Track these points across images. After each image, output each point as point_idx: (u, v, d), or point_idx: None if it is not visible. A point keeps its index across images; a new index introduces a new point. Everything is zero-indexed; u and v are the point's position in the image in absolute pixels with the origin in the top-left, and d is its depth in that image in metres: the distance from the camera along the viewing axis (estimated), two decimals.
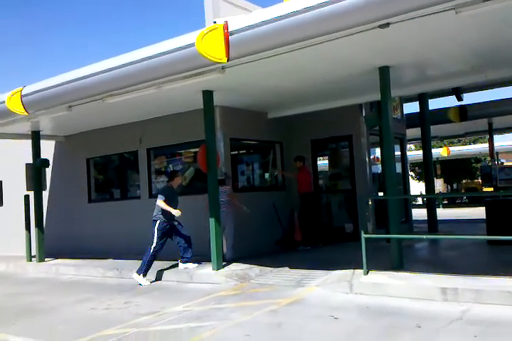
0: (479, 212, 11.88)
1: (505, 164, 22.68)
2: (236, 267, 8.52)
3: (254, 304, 6.32)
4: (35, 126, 11.21)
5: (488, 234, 8.93)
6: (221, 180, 9.63)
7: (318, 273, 7.74)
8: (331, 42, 6.01)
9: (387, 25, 5.57)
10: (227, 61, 6.34)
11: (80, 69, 8.20)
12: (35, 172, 11.63)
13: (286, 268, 8.36)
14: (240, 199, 10.22)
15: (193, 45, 6.33)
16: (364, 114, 10.99)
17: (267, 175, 12.08)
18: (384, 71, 7.57)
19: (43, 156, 11.82)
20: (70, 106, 8.92)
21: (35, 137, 11.81)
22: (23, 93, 9.00)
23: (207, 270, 8.39)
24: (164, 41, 7.08)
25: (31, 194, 11.76)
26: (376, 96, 8.15)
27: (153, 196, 11.16)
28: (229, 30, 6.18)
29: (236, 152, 11.21)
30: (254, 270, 8.34)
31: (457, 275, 6.38)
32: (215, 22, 6.31)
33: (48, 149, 12.82)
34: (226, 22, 6.20)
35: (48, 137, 12.65)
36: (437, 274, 6.58)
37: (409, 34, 6.25)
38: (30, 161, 11.78)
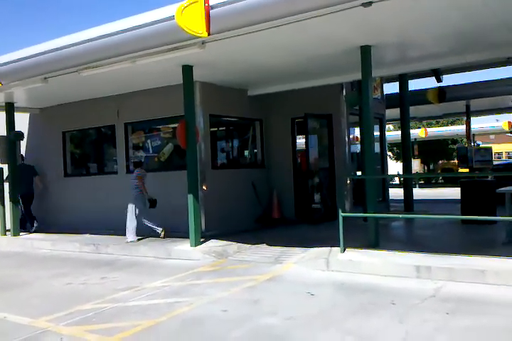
0: (454, 192, 12.11)
1: (481, 146, 23.05)
2: (214, 244, 8.55)
3: (231, 280, 6.36)
4: (9, 97, 10.91)
5: (463, 214, 9.13)
6: (138, 163, 9.77)
7: (295, 250, 7.83)
8: (313, 20, 5.93)
9: (370, 3, 5.52)
10: (208, 35, 6.21)
11: (55, 40, 7.95)
12: (9, 145, 11.37)
13: (264, 246, 8.42)
14: (219, 176, 10.22)
15: (172, 18, 6.18)
16: (345, 94, 10.98)
17: (246, 153, 12.05)
18: (366, 50, 7.53)
19: (17, 129, 11.55)
20: (45, 78, 8.68)
21: (10, 109, 11.49)
22: None
23: (185, 246, 8.40)
24: (143, 13, 6.89)
25: (5, 167, 11.53)
26: (357, 76, 8.12)
27: (130, 171, 11.08)
28: (210, 4, 6.05)
29: (215, 129, 11.13)
30: (232, 247, 8.38)
31: (431, 254, 6.52)
32: None
33: (22, 121, 12.53)
34: None
35: (23, 109, 12.34)
36: (412, 252, 6.71)
37: (392, 13, 6.20)
38: (4, 134, 11.51)
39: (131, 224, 9.40)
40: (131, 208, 9.46)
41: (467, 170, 15.50)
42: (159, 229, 9.35)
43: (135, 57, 7.40)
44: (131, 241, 9.25)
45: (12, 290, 6.59)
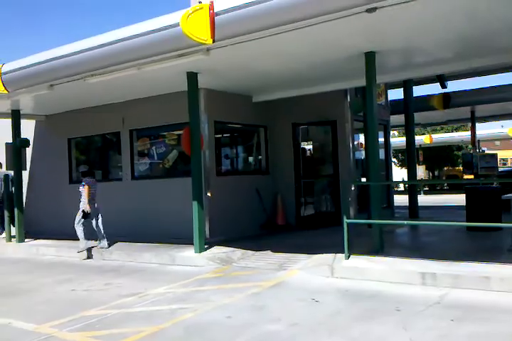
0: (459, 199, 12.06)
1: (486, 152, 22.99)
2: (218, 250, 8.54)
3: (236, 287, 6.35)
4: (15, 104, 10.98)
5: (468, 221, 9.06)
6: (87, 172, 9.76)
7: (300, 256, 7.81)
8: (317, 26, 5.96)
9: (375, 9, 5.54)
10: (213, 42, 6.25)
11: (62, 48, 8.02)
12: (15, 151, 11.43)
13: (269, 252, 8.41)
14: (223, 183, 10.22)
15: (177, 25, 6.23)
16: (349, 100, 10.99)
17: (250, 159, 12.07)
18: (370, 56, 7.54)
19: (23, 136, 11.61)
20: (51, 85, 8.75)
21: (15, 116, 11.57)
22: (2, 70, 8.81)
23: (189, 253, 8.40)
24: (148, 20, 6.94)
25: (11, 174, 11.59)
26: (361, 82, 8.13)
27: (135, 178, 11.11)
28: (215, 11, 6.09)
29: (220, 135, 11.15)
30: (236, 253, 8.37)
31: (436, 261, 6.48)
32: (200, 2, 6.20)
33: (28, 128, 12.60)
34: (212, 2, 6.10)
35: (29, 116, 12.43)
36: (417, 259, 6.68)
37: (396, 19, 6.22)
38: (10, 140, 11.57)
39: (79, 232, 9.43)
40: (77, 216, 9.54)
41: (472, 176, 15.46)
42: (83, 243, 9.39)
43: (141, 64, 7.45)
44: (79, 252, 9.32)
45: (17, 297, 6.60)
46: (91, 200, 9.45)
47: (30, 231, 11.74)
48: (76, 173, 12.47)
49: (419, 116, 15.65)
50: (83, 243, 9.36)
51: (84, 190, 9.42)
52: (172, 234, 9.71)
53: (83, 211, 9.42)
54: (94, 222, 9.58)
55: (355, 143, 11.40)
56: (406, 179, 14.88)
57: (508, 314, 4.73)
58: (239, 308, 5.38)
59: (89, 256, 9.41)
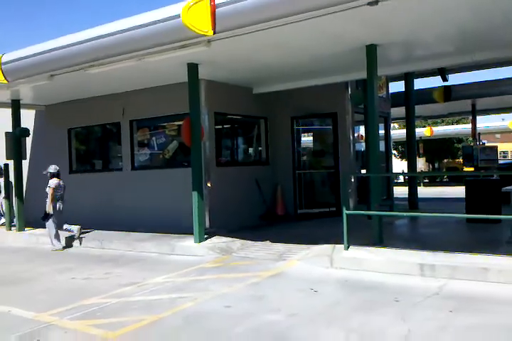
0: (459, 191, 12.09)
1: (486, 145, 22.97)
2: (218, 240, 8.58)
3: (235, 276, 6.39)
4: (15, 94, 10.97)
5: (467, 213, 9.08)
6: (55, 174, 9.63)
7: (299, 247, 7.84)
8: (319, 19, 5.94)
9: (376, 2, 5.51)
10: (213, 34, 6.24)
11: (62, 38, 8.00)
12: (14, 141, 11.42)
13: (268, 242, 8.44)
14: (223, 173, 10.23)
15: (178, 16, 6.21)
16: (350, 92, 10.96)
17: (251, 150, 12.07)
18: (371, 49, 7.52)
19: (23, 125, 11.59)
20: (51, 76, 8.72)
21: (15, 106, 11.55)
22: (2, 60, 8.79)
23: (189, 242, 8.43)
24: (149, 11, 6.91)
25: (11, 163, 11.59)
26: (362, 75, 8.12)
27: (135, 168, 11.11)
28: (215, 3, 6.08)
29: (220, 126, 11.14)
30: (236, 243, 8.41)
31: (435, 252, 6.50)
32: None
33: (28, 118, 12.58)
34: None
35: (29, 106, 12.41)
36: (416, 250, 6.69)
37: (398, 12, 6.20)
38: (10, 130, 11.55)
39: (51, 231, 9.45)
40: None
41: (472, 168, 15.46)
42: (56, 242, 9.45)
43: (141, 55, 7.41)
44: (55, 250, 9.34)
45: (17, 285, 6.62)
46: (58, 200, 9.47)
47: (29, 221, 11.76)
48: (76, 164, 12.50)
49: (420, 109, 15.62)
50: (56, 242, 9.47)
51: (50, 191, 9.42)
52: (172, 224, 9.73)
53: (45, 212, 9.40)
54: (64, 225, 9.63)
55: (356, 135, 11.40)
56: (406, 171, 14.87)
57: (506, 305, 4.76)
58: (238, 298, 5.41)
59: (68, 246, 9.70)
